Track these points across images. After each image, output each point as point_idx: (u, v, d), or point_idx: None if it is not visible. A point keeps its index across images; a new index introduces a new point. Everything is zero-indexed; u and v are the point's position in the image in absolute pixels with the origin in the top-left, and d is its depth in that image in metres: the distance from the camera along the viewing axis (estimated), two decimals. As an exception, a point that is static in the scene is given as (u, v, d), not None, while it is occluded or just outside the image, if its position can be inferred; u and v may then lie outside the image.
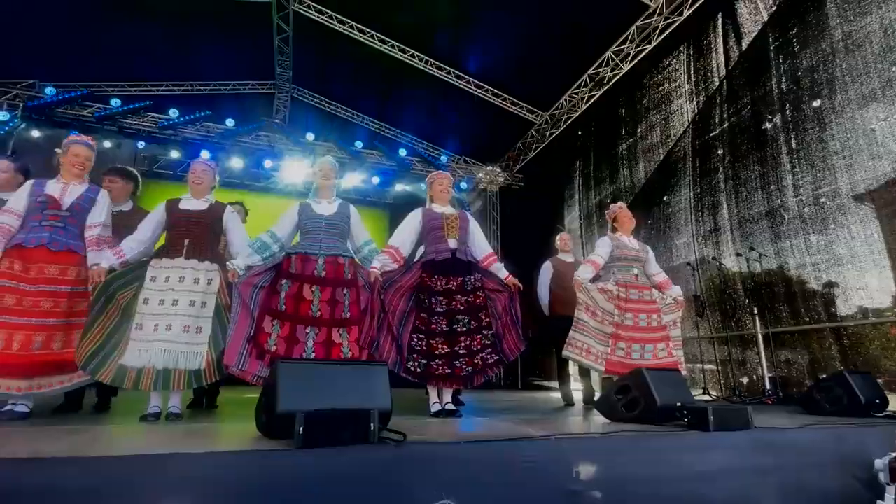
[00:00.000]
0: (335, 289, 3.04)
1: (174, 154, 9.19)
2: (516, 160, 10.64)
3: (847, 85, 4.54)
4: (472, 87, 8.89)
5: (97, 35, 7.61)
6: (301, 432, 1.69)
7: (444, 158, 10.39)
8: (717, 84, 5.95)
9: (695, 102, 6.22)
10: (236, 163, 9.33)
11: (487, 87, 8.93)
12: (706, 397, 5.02)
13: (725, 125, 5.73)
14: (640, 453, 2.12)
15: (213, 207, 3.26)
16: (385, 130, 10.59)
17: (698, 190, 5.97)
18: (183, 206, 3.18)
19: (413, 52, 8.45)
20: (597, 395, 4.41)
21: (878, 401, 3.34)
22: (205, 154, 8.97)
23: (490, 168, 10.84)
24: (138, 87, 8.94)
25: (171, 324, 2.79)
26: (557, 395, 4.87)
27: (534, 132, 9.74)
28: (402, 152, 9.97)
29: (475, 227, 3.58)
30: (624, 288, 3.82)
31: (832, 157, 4.63)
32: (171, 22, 7.58)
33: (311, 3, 7.90)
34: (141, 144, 8.86)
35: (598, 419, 2.98)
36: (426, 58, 8.52)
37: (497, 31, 7.65)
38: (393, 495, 1.60)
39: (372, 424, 1.80)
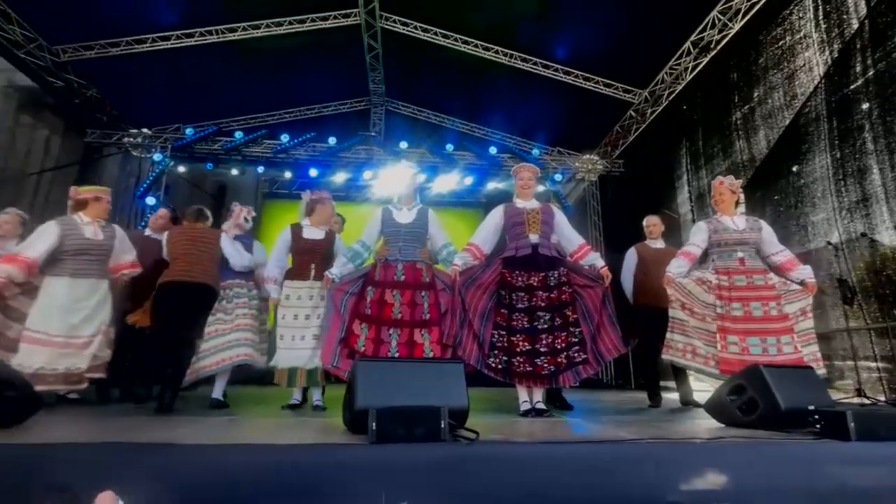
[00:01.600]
0: (414, 291, 3.17)
1: (287, 175, 10.21)
2: (615, 145, 9.98)
3: None
4: (561, 75, 8.54)
5: (220, 77, 8.76)
6: (374, 428, 1.75)
7: (535, 152, 10.13)
8: (855, 26, 4.97)
9: (827, 53, 5.26)
10: (339, 177, 10.06)
11: (577, 72, 8.50)
12: (861, 400, 4.20)
13: (870, 73, 4.75)
14: (755, 464, 1.83)
15: (328, 235, 3.82)
16: (475, 131, 10.63)
17: (838, 155, 5.03)
18: (306, 235, 3.73)
19: (497, 48, 8.37)
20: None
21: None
22: (313, 172, 9.82)
23: (587, 156, 10.31)
24: (255, 118, 10.09)
25: (305, 335, 3.44)
26: (675, 395, 4.44)
27: (632, 113, 9.05)
28: (493, 150, 9.92)
29: (561, 220, 3.42)
30: (726, 275, 3.34)
31: None
32: (276, 58, 8.44)
33: (397, 18, 8.23)
34: (260, 169, 9.99)
35: (708, 423, 2.65)
36: (510, 52, 8.38)
37: (582, 12, 7.25)
38: (461, 494, 1.57)
39: (442, 422, 1.80)
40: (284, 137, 9.54)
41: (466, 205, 11.64)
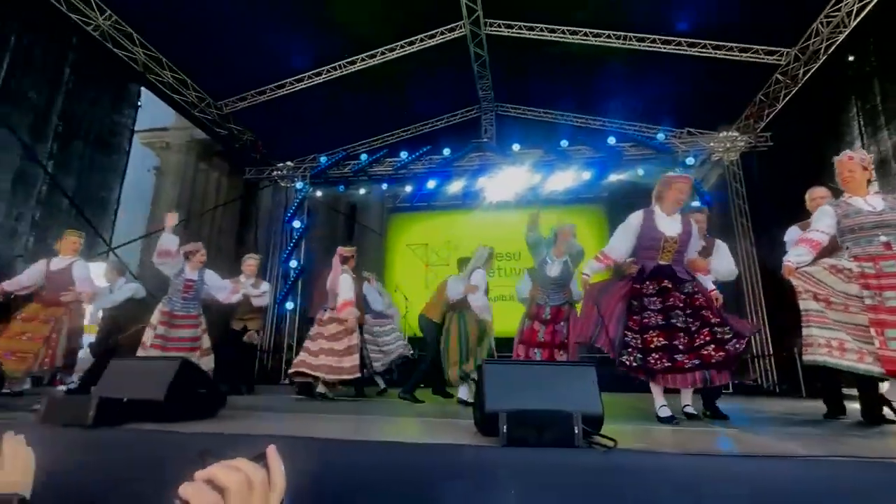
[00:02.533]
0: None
1: (408, 188, 10.80)
2: (759, 117, 8.71)
3: None
4: (685, 48, 7.74)
5: (345, 107, 9.64)
6: (505, 431, 1.74)
7: (661, 136, 9.30)
8: None
9: None
10: (455, 186, 10.34)
11: (704, 41, 7.63)
12: None
13: None
14: None
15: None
16: (590, 123, 10.14)
17: None
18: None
19: (608, 32, 7.90)
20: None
21: None
22: (431, 184, 10.25)
23: (724, 134, 9.17)
24: (377, 139, 10.89)
25: None
26: (856, 405, 3.67)
27: (779, 77, 7.82)
28: (611, 140, 9.35)
29: (695, 243, 3.24)
30: (870, 262, 2.68)
31: None
32: (391, 80, 9.02)
33: (500, 21, 8.26)
34: (384, 186, 10.73)
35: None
36: (623, 34, 7.84)
37: (706, -26, 6.51)
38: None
39: (576, 427, 1.72)
40: (403, 154, 10.13)
41: (586, 201, 11.12)
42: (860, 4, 6.17)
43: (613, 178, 9.84)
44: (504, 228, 11.14)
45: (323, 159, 10.38)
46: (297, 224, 10.27)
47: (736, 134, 9.08)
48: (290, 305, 9.92)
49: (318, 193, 10.95)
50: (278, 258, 10.37)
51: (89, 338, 5.92)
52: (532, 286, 4.40)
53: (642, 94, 9.11)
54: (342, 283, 4.56)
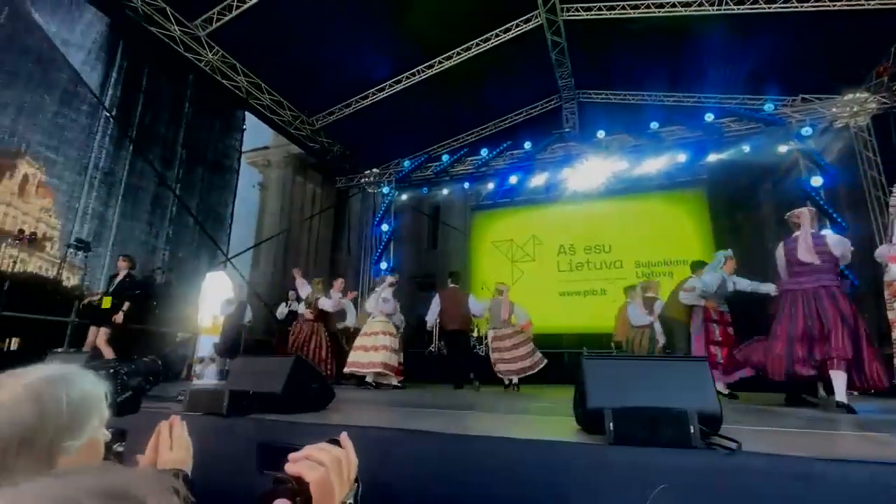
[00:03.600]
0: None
1: (490, 185, 10.79)
2: (893, 74, 7.47)
3: None
4: (795, 5, 6.88)
5: (425, 110, 9.86)
6: (612, 428, 1.68)
7: (769, 107, 8.34)
8: None
9: None
10: (539, 179, 10.13)
11: (819, -6, 6.72)
12: None
13: None
14: None
15: None
16: (683, 101, 9.40)
17: None
18: None
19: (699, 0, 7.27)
20: None
21: None
22: (513, 179, 10.14)
23: (850, 96, 8.00)
24: (457, 139, 11.02)
25: None
26: None
27: (920, 22, 6.64)
28: (709, 117, 8.57)
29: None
30: None
31: None
32: (468, 79, 9.05)
33: (578, 6, 7.95)
34: (466, 185, 10.83)
35: None
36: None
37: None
38: (722, 510, 1.36)
39: (692, 426, 1.60)
40: (484, 151, 10.14)
41: (685, 185, 10.31)
42: None
43: (713, 157, 9.01)
44: (591, 220, 10.72)
45: (406, 163, 10.72)
46: (385, 227, 10.72)
47: (866, 95, 7.88)
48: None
49: (404, 197, 11.34)
50: (370, 261, 10.91)
51: (210, 338, 6.71)
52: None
53: (743, 64, 8.23)
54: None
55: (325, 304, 6.25)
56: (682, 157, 9.05)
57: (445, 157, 10.42)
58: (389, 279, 6.39)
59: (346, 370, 5.75)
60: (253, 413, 2.39)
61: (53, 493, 0.36)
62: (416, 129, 10.42)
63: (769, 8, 6.97)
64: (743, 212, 9.62)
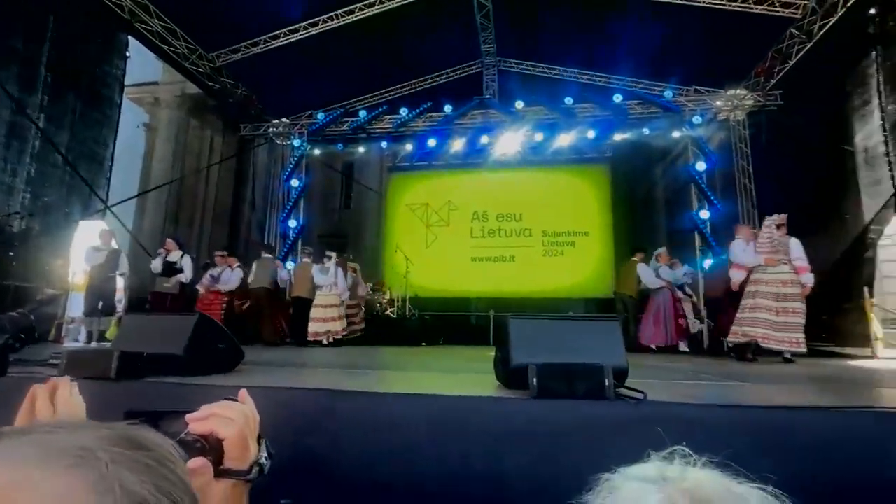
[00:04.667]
0: None
1: (408, 147, 10.57)
2: (769, 74, 8.48)
3: None
4: (698, 0, 7.42)
5: (343, 61, 9.26)
6: (535, 384, 1.75)
7: (668, 94, 9.07)
8: None
9: None
10: (457, 144, 10.13)
11: (719, -8, 7.31)
12: None
13: None
14: None
15: None
16: (595, 80, 9.85)
17: None
18: None
19: (618, -19, 7.55)
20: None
21: None
22: (432, 142, 10.02)
23: (731, 92, 8.96)
24: (375, 96, 10.56)
25: None
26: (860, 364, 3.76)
27: (793, 31, 7.55)
28: (617, 98, 9.11)
29: None
30: None
31: None
32: (390, 33, 8.62)
33: (506, -31, 7.85)
34: (384, 144, 10.50)
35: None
36: (635, -17, 7.50)
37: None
38: (629, 453, 1.50)
39: (606, 380, 1.73)
40: (403, 111, 9.85)
41: (592, 160, 10.97)
42: (886, -47, 5.90)
43: (618, 136, 9.66)
44: (505, 188, 11.05)
45: (320, 116, 10.08)
46: (294, 183, 10.09)
47: (744, 92, 8.88)
48: (290, 265, 9.90)
49: (316, 151, 10.71)
50: (277, 217, 10.26)
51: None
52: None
53: (650, 50, 8.79)
54: None
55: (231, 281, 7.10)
56: (591, 134, 9.57)
57: (363, 114, 9.96)
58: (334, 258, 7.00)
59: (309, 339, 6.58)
60: (148, 376, 2.14)
61: (67, 443, 0.33)
62: (332, 80, 9.77)
63: (677, -1, 7.43)
64: (640, 189, 10.53)
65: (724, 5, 7.35)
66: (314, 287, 6.90)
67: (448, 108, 9.74)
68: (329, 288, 6.80)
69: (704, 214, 8.64)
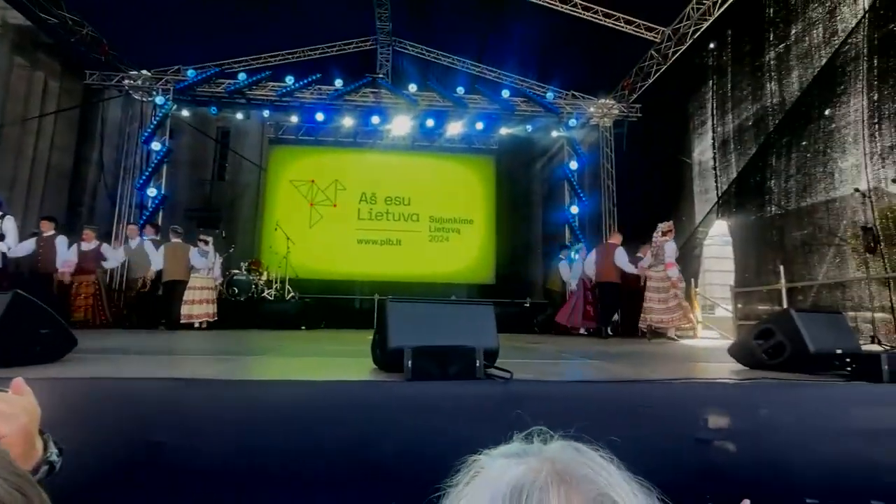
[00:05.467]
0: None
1: (293, 119, 9.91)
2: (633, 89, 9.57)
3: None
4: (580, 11, 8.03)
5: (222, 16, 8.28)
6: (410, 366, 1.76)
7: (550, 95, 9.74)
8: (909, -48, 4.57)
9: (874, -17, 4.87)
10: (347, 121, 9.77)
11: (597, 7, 7.99)
12: (877, 348, 4.23)
13: (921, 6, 4.42)
14: (789, 404, 1.85)
15: None
16: (486, 73, 10.19)
17: (875, 97, 4.79)
18: None
19: (512, -20, 7.84)
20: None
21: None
22: (319, 116, 9.51)
23: (602, 101, 9.92)
24: (259, 59, 9.68)
25: None
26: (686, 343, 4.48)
27: (653, 53, 8.59)
28: (506, 93, 9.54)
29: None
30: None
31: None
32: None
33: (405, -54, 7.67)
34: (266, 113, 9.70)
35: (734, 366, 2.66)
36: (526, -15, 7.85)
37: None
38: (498, 430, 1.59)
39: (477, 361, 1.80)
40: (289, 79, 9.19)
41: (478, 151, 11.36)
42: (724, -4, 6.96)
43: (504, 131, 10.14)
44: (395, 172, 10.96)
45: (190, 73, 8.96)
46: (156, 146, 8.87)
47: (612, 102, 9.89)
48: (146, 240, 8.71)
49: (185, 113, 9.52)
50: (132, 183, 8.94)
51: None
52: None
53: (537, 52, 9.35)
54: None
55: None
56: (479, 126, 9.92)
57: (242, 76, 9.08)
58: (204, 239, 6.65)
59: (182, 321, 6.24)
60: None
61: None
62: (207, 35, 8.69)
63: (561, 7, 7.94)
64: (521, 182, 11.19)
65: (599, 19, 8.06)
66: (188, 269, 6.51)
67: (339, 83, 9.33)
68: (206, 271, 6.61)
69: (574, 210, 9.52)
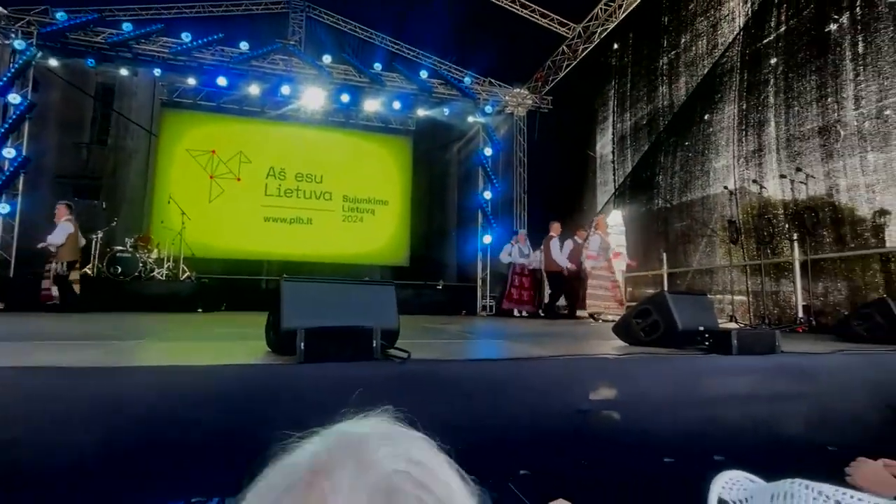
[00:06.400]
0: None
1: (191, 81, 8.97)
2: (545, 81, 9.96)
3: (936, -28, 3.86)
4: (498, -1, 8.15)
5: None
6: (303, 348, 1.68)
7: (467, 80, 9.80)
8: (776, -20, 5.20)
9: (749, 4, 5.50)
10: (253, 89, 9.07)
11: (515, -4, 8.16)
12: (734, 325, 4.89)
13: (782, 29, 5.07)
14: (657, 375, 2.06)
15: None
16: (405, 51, 10.00)
17: (744, 106, 5.44)
18: None
19: (432, -42, 7.71)
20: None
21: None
22: (222, 81, 8.71)
23: (517, 90, 10.21)
24: (149, 9, 8.61)
25: None
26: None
27: (565, 48, 8.99)
28: (424, 74, 9.43)
29: None
30: None
31: (906, 61, 4.05)
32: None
33: None
34: (157, 72, 8.67)
35: (616, 343, 2.91)
36: (447, -36, 7.78)
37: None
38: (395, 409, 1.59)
39: (374, 342, 1.77)
40: (186, 36, 8.27)
41: (395, 131, 11.16)
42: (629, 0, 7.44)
43: (421, 112, 10.05)
44: (306, 147, 10.43)
45: (61, 16, 7.71)
46: (14, 98, 7.56)
47: (526, 92, 10.22)
48: (4, 209, 7.47)
49: (53, 62, 8.20)
50: (-17, 142, 7.57)
51: None
52: None
53: (457, 35, 9.34)
54: None
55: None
56: (397, 105, 9.72)
57: (128, 27, 8.00)
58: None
59: None
60: None
61: None
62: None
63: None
64: (437, 165, 11.22)
65: (516, 9, 8.24)
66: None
67: (244, 46, 8.59)
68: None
69: (487, 195, 9.77)
